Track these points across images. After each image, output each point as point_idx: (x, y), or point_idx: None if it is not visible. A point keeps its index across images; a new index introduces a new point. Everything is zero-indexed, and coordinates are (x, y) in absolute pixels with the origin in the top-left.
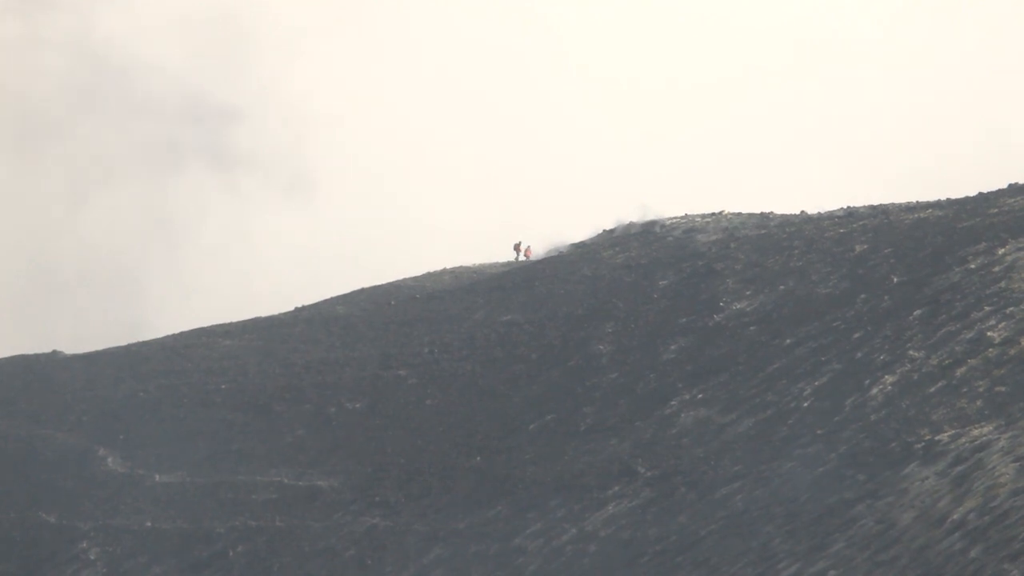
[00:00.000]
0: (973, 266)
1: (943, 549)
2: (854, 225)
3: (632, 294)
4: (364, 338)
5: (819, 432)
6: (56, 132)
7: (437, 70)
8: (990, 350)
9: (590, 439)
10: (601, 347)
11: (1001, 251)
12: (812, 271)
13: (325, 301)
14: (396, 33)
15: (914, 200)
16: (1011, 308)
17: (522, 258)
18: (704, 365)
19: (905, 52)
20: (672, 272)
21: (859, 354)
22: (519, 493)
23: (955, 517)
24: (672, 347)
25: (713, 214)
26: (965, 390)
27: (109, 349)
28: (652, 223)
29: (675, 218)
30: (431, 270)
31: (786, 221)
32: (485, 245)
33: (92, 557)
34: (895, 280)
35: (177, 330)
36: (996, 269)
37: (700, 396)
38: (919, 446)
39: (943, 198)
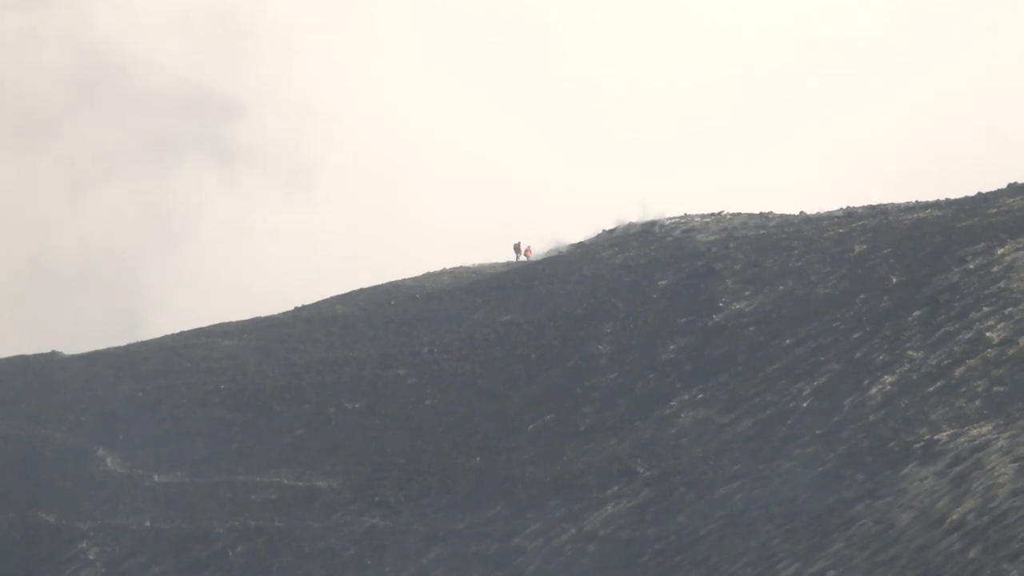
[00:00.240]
0: (972, 266)
1: (942, 549)
2: (853, 225)
3: (631, 294)
4: (363, 338)
5: (818, 432)
6: (54, 131)
7: (437, 69)
8: (989, 350)
9: (589, 439)
10: (600, 347)
11: (1000, 251)
12: (811, 271)
13: (324, 301)
14: (396, 32)
15: (913, 200)
16: (1010, 308)
17: (522, 258)
18: (703, 365)
19: (905, 52)
20: (671, 272)
21: (858, 354)
22: (518, 493)
23: (954, 517)
24: (671, 347)
25: (712, 214)
26: (964, 390)
27: (108, 349)
28: (651, 223)
29: (674, 218)
30: (431, 270)
31: (785, 221)
32: (485, 245)
33: (91, 557)
34: (894, 280)
35: (176, 330)
36: (995, 269)
37: (699, 396)
38: (918, 446)
39: (942, 198)
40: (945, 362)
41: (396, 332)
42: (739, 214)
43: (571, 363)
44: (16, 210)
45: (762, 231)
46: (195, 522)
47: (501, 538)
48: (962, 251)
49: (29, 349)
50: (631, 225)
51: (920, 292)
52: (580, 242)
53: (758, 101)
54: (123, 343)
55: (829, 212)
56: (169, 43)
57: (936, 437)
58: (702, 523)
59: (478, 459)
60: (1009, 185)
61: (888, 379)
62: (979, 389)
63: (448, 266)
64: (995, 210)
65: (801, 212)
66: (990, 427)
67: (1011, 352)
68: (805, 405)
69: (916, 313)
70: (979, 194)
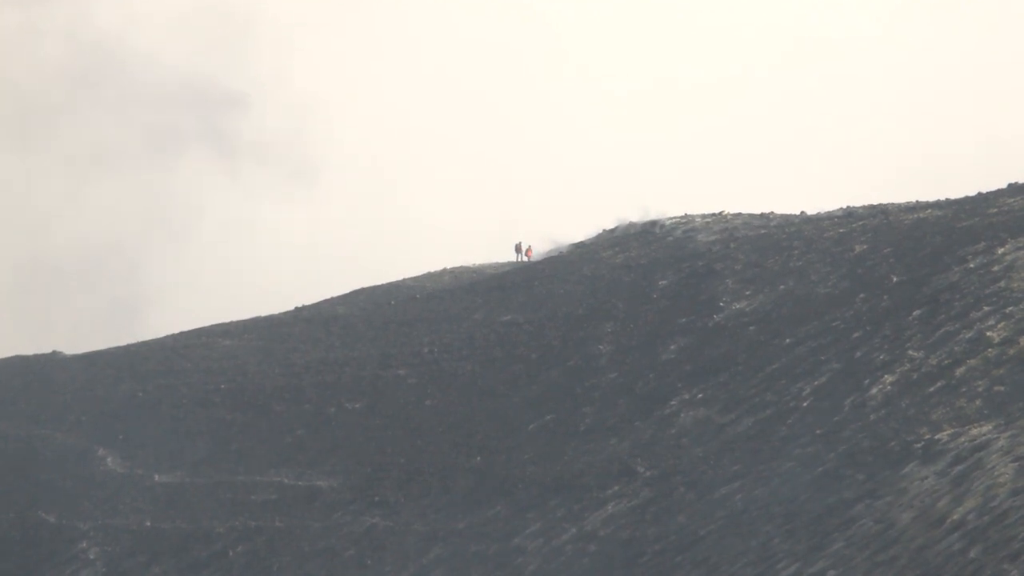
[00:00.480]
0: (972, 266)
1: (942, 549)
2: (853, 225)
3: (632, 294)
4: (364, 338)
5: (818, 432)
6: (54, 128)
7: (437, 69)
8: (989, 350)
9: (589, 439)
10: (601, 347)
11: (1000, 251)
12: (811, 271)
13: (325, 301)
14: (396, 33)
15: (913, 200)
16: (1010, 308)
17: (523, 258)
18: (703, 365)
19: (905, 52)
20: (672, 272)
21: (858, 354)
22: (518, 493)
23: (954, 517)
24: (672, 347)
25: (713, 214)
26: (964, 390)
27: (108, 349)
28: (652, 223)
29: (675, 218)
30: (431, 270)
31: (786, 221)
32: (485, 245)
33: (91, 557)
34: (894, 280)
35: (176, 330)
36: (995, 269)
37: (699, 396)
38: (918, 446)
39: (942, 198)
40: (945, 362)
41: (396, 332)
42: (739, 214)
43: (571, 363)
44: (16, 209)
45: (762, 231)
46: (195, 522)
47: (501, 538)
48: (962, 251)
49: (29, 349)
50: (631, 225)
51: (920, 292)
52: (580, 242)
53: (758, 101)
54: (123, 343)
55: (829, 212)
56: (170, 39)
57: (936, 437)
58: (702, 523)
59: (478, 459)
60: (1009, 185)
61: (888, 379)
62: (979, 389)
63: (448, 266)
64: (995, 210)
65: (801, 212)
66: (990, 427)
67: (1011, 352)
68: (805, 405)
69: (916, 313)
70: (979, 194)
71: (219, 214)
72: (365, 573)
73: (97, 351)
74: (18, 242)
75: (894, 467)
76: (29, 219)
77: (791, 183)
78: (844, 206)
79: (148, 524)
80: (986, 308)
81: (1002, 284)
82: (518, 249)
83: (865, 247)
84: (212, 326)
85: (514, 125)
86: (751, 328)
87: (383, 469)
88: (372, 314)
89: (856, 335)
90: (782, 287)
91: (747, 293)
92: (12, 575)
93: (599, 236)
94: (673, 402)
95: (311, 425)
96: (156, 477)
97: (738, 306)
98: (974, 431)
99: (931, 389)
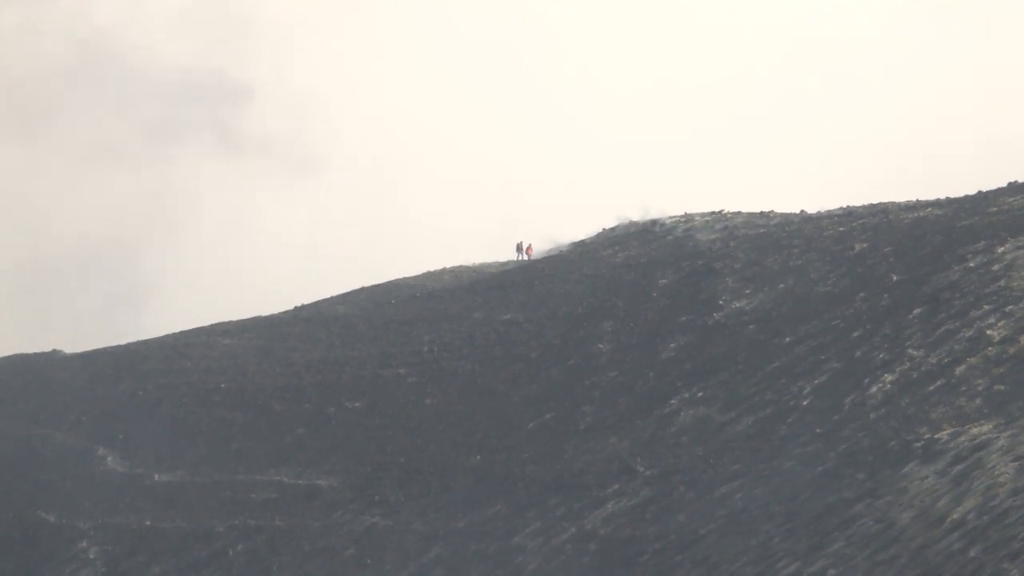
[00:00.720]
0: (972, 265)
1: (942, 548)
2: (853, 224)
3: (632, 293)
4: (364, 337)
5: (818, 431)
6: (53, 126)
7: (437, 69)
8: (989, 349)
9: (589, 438)
10: (600, 346)
11: (1000, 250)
12: (811, 270)
13: (325, 300)
14: (397, 33)
15: (913, 199)
16: (1010, 307)
17: (524, 257)
18: (703, 364)
19: (905, 51)
20: (672, 271)
21: (858, 353)
22: (518, 492)
23: (954, 516)
24: (671, 346)
25: (713, 213)
26: (964, 389)
27: (108, 348)
28: (652, 222)
29: (675, 217)
30: (431, 269)
31: (785, 220)
32: (485, 244)
33: (91, 556)
34: (894, 279)
35: (176, 329)
36: (995, 268)
37: (699, 395)
38: (918, 445)
39: (942, 197)
40: (945, 360)
41: (396, 331)
42: (739, 213)
43: (571, 362)
44: (16, 207)
45: (762, 230)
46: (195, 521)
47: (501, 537)
48: (962, 250)
49: (29, 348)
50: (631, 224)
51: (920, 290)
52: (580, 241)
53: (759, 100)
54: (123, 342)
55: (829, 211)
56: (170, 35)
57: (936, 436)
58: (702, 522)
59: (478, 458)
60: (1009, 184)
61: (888, 378)
62: (979, 388)
63: (448, 265)
64: (995, 209)
65: (801, 211)
66: (991, 426)
67: (1012, 351)
68: (805, 404)
69: (916, 311)
70: (979, 193)
71: (219, 214)
72: (365, 572)
73: (97, 350)
74: (18, 241)
75: (894, 466)
76: (30, 217)
77: (791, 182)
78: (844, 205)
79: (148, 523)
80: (986, 307)
81: (1002, 283)
82: (519, 248)
83: (865, 246)
84: (212, 325)
85: (514, 125)
86: (751, 327)
87: (383, 468)
88: (372, 313)
89: (856, 334)
90: (782, 286)
91: (747, 292)
92: (12, 575)
93: (599, 235)
94: (673, 401)
95: (311, 424)
96: (156, 476)
97: (738, 305)
98: (974, 430)
99: (931, 388)
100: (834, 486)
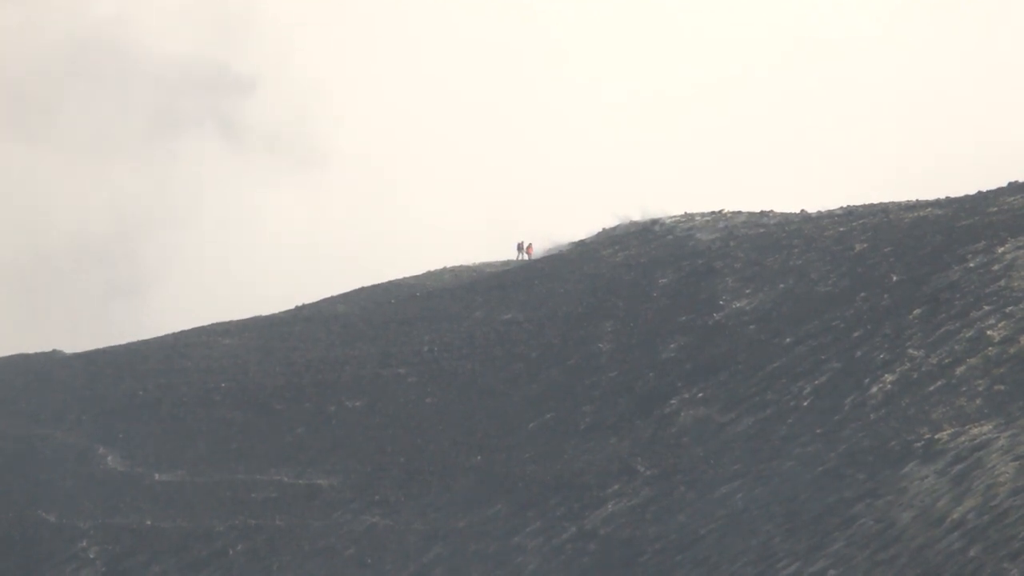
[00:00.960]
0: (972, 265)
1: (942, 548)
2: (853, 224)
3: (632, 293)
4: (364, 337)
5: (819, 431)
6: (52, 125)
7: (437, 70)
8: (989, 349)
9: (590, 438)
10: (601, 346)
11: (1000, 250)
12: (811, 270)
13: (325, 300)
14: (396, 34)
15: (913, 199)
16: (1010, 307)
17: (524, 256)
18: (704, 364)
19: (905, 51)
20: (672, 271)
21: (858, 353)
22: (519, 492)
23: (954, 516)
24: (672, 346)
25: (713, 213)
26: (964, 389)
27: (109, 348)
28: (652, 222)
29: (675, 217)
30: (431, 269)
31: (785, 220)
32: (485, 244)
33: (92, 556)
34: (894, 279)
35: (177, 329)
36: (995, 268)
37: (700, 395)
38: (918, 445)
39: (942, 197)
40: (946, 361)
41: (396, 331)
42: (739, 213)
43: (571, 362)
44: (16, 204)
45: (762, 230)
46: (195, 521)
47: (501, 537)
48: (962, 250)
49: (30, 347)
50: (631, 224)
51: (920, 291)
52: (580, 240)
53: (758, 100)
54: (124, 342)
55: (829, 211)
56: (170, 30)
57: (937, 436)
58: (702, 522)
59: (478, 458)
60: (1009, 184)
61: (889, 378)
62: (980, 388)
63: (448, 265)
64: (995, 209)
65: (801, 211)
66: (991, 426)
67: (1012, 351)
68: (806, 404)
69: (917, 312)
70: (979, 193)
71: (219, 213)
72: (365, 572)
73: (97, 349)
74: (18, 239)
75: (894, 466)
76: (29, 213)
77: (791, 182)
78: (844, 205)
79: (148, 523)
80: (986, 307)
81: (1002, 283)
82: (520, 247)
83: (865, 246)
84: (212, 325)
85: (514, 125)
86: (751, 327)
87: (383, 468)
88: (372, 313)
89: (856, 334)
90: (782, 286)
91: (747, 292)
92: (12, 574)
93: (599, 235)
94: (673, 401)
95: (311, 424)
96: (156, 476)
97: (738, 305)
98: (974, 430)
99: (931, 388)
100: (834, 486)
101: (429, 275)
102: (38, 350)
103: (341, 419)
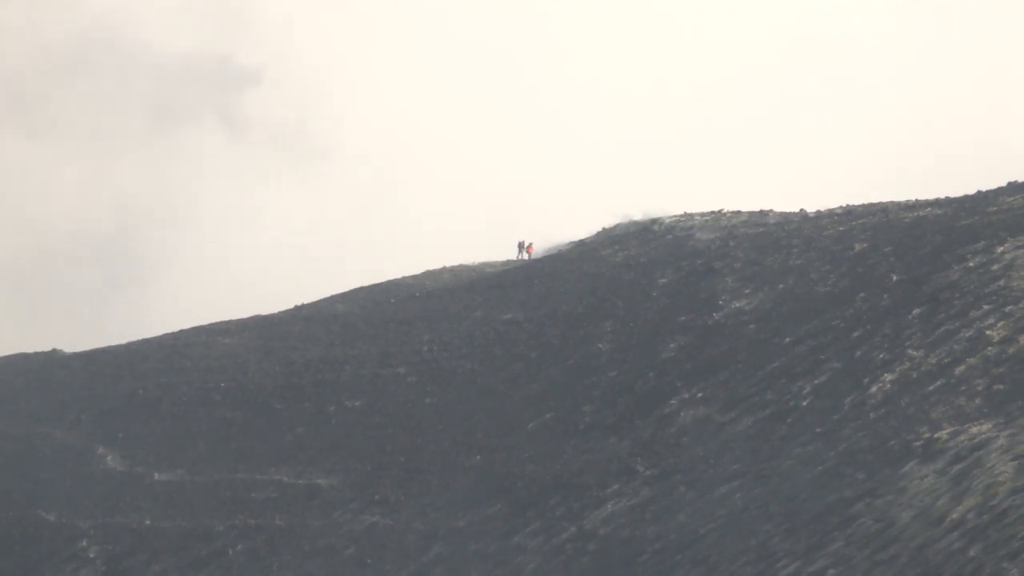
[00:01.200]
0: (972, 264)
1: (942, 548)
2: (853, 223)
3: (631, 292)
4: (363, 336)
5: (818, 430)
6: (52, 123)
7: (438, 69)
8: (989, 348)
9: (589, 437)
10: (600, 345)
11: (1000, 249)
12: (811, 269)
13: (324, 299)
14: (395, 34)
15: (913, 198)
16: (1010, 307)
17: (524, 256)
18: (703, 363)
19: (905, 51)
20: (671, 270)
21: (858, 352)
22: (518, 491)
23: (954, 516)
24: (671, 345)
25: (712, 212)
26: (964, 388)
27: (108, 347)
28: (651, 221)
29: (674, 216)
30: (431, 268)
31: (785, 219)
32: (485, 244)
33: (91, 555)
34: (894, 278)
35: (176, 328)
36: (995, 267)
37: (699, 395)
38: (918, 444)
39: (942, 196)
40: (945, 360)
41: (396, 330)
42: (739, 212)
43: (571, 361)
44: (15, 201)
45: (762, 229)
46: (195, 520)
47: (501, 536)
48: (962, 249)
49: (30, 348)
50: (631, 223)
51: (920, 290)
52: (580, 240)
53: (758, 100)
54: (123, 341)
55: (829, 210)
56: (172, 23)
57: (936, 435)
58: (702, 522)
59: (478, 457)
60: (1009, 184)
61: (888, 377)
62: (979, 387)
63: (448, 264)
64: (995, 208)
65: (801, 210)
66: (990, 425)
67: (1011, 350)
68: (805, 403)
69: (916, 311)
70: (979, 192)
71: (219, 212)
72: (365, 571)
73: (97, 349)
74: (18, 238)
75: (894, 466)
76: (29, 212)
77: (791, 182)
78: (843, 204)
79: (148, 522)
80: (986, 307)
81: (1002, 283)
82: (520, 247)
83: (865, 245)
84: (212, 324)
85: (514, 124)
86: (751, 327)
87: (383, 467)
88: (372, 312)
89: (856, 334)
90: (782, 286)
91: (747, 291)
92: (12, 574)
93: (599, 234)
94: (673, 401)
95: (311, 423)
96: (156, 475)
97: (738, 304)
98: (974, 430)
99: (931, 388)
100: (834, 486)
101: (429, 275)
102: (38, 350)
103: (341, 419)
